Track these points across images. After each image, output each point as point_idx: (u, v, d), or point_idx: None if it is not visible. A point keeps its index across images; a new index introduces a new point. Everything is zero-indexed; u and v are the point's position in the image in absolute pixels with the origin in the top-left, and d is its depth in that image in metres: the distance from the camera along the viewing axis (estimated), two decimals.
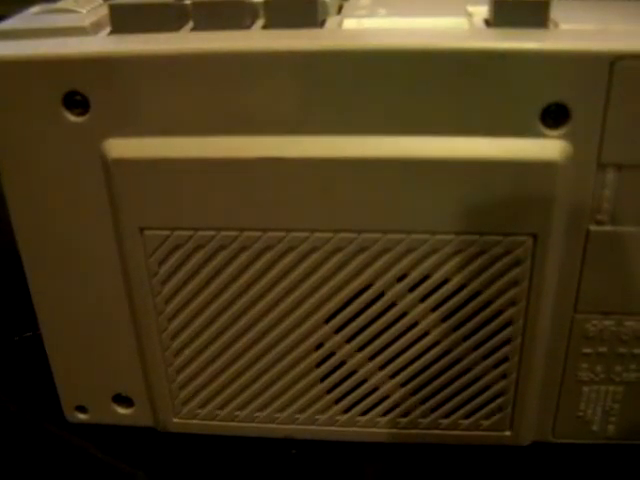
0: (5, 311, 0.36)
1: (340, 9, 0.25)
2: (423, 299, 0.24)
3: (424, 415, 0.26)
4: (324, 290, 0.24)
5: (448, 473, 0.27)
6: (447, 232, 0.23)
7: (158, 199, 0.23)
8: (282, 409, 0.27)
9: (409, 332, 0.25)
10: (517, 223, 0.22)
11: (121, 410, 0.28)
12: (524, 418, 0.26)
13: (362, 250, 0.23)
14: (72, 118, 0.23)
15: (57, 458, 0.28)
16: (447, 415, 0.26)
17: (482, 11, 0.23)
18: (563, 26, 0.22)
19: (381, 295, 0.24)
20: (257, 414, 0.27)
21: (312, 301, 0.24)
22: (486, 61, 0.21)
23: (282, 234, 0.23)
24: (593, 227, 0.23)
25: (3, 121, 0.23)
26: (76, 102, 0.22)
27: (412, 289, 0.24)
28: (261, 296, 0.24)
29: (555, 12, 0.22)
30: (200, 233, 0.24)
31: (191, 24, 0.24)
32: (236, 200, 0.23)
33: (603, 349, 0.25)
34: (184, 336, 0.26)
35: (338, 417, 0.27)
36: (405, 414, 0.26)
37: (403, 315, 0.24)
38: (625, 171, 0.22)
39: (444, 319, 0.24)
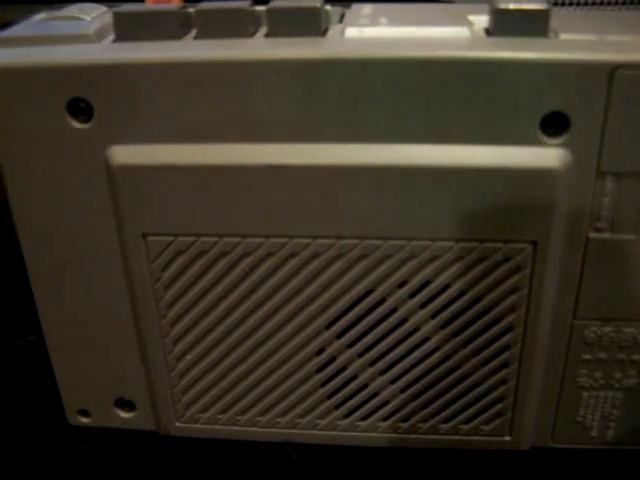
0: (8, 315, 0.36)
1: (342, 17, 0.25)
2: (424, 305, 0.24)
3: (424, 420, 0.26)
4: (326, 296, 0.24)
5: (448, 478, 0.27)
6: (448, 239, 0.23)
7: (161, 205, 0.23)
8: (283, 414, 0.27)
9: (409, 338, 0.25)
10: (517, 230, 0.23)
11: (123, 414, 0.28)
12: (523, 423, 0.26)
13: (364, 256, 0.23)
14: (76, 125, 0.23)
15: (59, 461, 0.28)
16: (447, 420, 0.26)
17: (483, 20, 0.23)
18: (563, 35, 0.22)
19: (382, 301, 0.24)
20: (258, 418, 0.27)
21: (314, 307, 0.24)
22: (486, 70, 0.21)
23: (284, 240, 0.23)
24: (592, 234, 0.23)
25: (7, 127, 0.23)
26: (80, 109, 0.23)
27: (413, 295, 0.24)
28: (263, 301, 0.25)
29: (555, 21, 0.22)
30: (203, 239, 0.24)
31: (194, 32, 0.24)
32: (239, 206, 0.23)
33: (602, 355, 0.25)
34: (186, 341, 0.26)
35: (339, 422, 0.27)
36: (405, 419, 0.27)
37: (404, 321, 0.25)
38: (624, 179, 0.22)
39: (444, 325, 0.24)
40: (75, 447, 0.29)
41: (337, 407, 0.27)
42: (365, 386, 0.26)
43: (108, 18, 0.25)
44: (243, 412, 0.27)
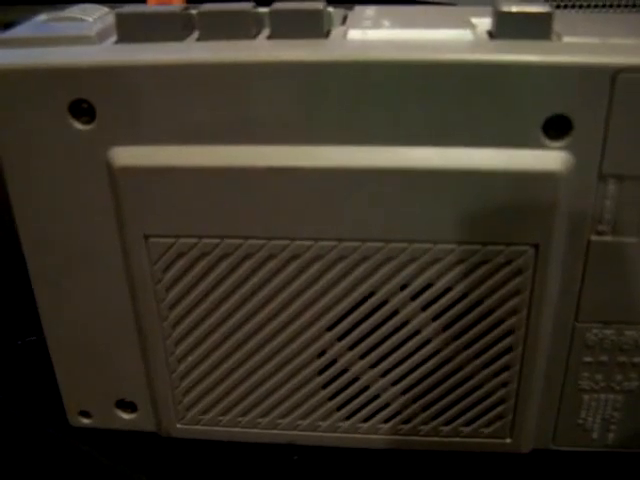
0: (9, 315, 0.36)
1: (345, 19, 0.25)
2: (425, 308, 0.24)
3: (425, 422, 0.26)
4: (327, 298, 0.24)
5: None
6: (449, 241, 0.23)
7: (163, 207, 0.23)
8: (284, 415, 0.27)
9: (411, 340, 0.25)
10: (519, 233, 0.23)
11: (124, 415, 0.28)
12: (524, 426, 0.26)
13: (365, 259, 0.23)
14: (78, 126, 0.23)
15: (60, 462, 0.28)
16: (448, 422, 0.26)
17: (485, 23, 0.23)
18: (566, 38, 0.22)
19: (383, 303, 0.24)
20: (260, 420, 0.27)
21: (315, 309, 0.24)
22: (489, 73, 0.21)
23: (286, 242, 0.23)
24: (594, 237, 0.23)
25: (9, 129, 0.23)
26: (82, 110, 0.23)
27: (414, 298, 0.24)
28: (264, 303, 0.25)
29: (558, 24, 0.22)
30: (204, 241, 0.24)
31: (197, 34, 0.24)
32: (240, 208, 0.23)
33: (604, 358, 0.25)
34: (188, 342, 0.26)
35: (340, 424, 0.27)
36: (406, 421, 0.27)
37: (405, 323, 0.25)
38: (626, 182, 0.22)
39: (445, 328, 0.24)
40: (76, 448, 0.29)
41: (338, 409, 0.27)
42: (366, 388, 0.26)
43: (110, 19, 0.25)
44: (244, 414, 0.27)
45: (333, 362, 0.26)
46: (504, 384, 0.25)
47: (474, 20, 0.24)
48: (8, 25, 0.25)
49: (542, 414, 0.26)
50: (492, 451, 0.27)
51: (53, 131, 0.23)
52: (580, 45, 0.22)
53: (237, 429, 0.28)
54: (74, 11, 0.26)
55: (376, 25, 0.24)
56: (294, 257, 0.24)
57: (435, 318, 0.24)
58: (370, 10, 0.25)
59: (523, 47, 0.21)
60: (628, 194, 0.22)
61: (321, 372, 0.26)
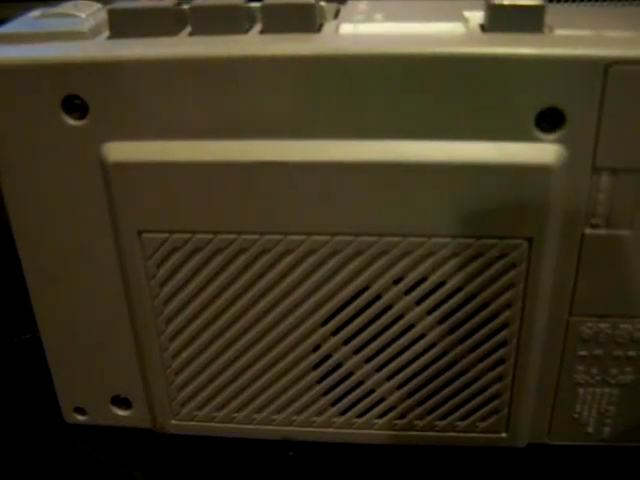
0: (4, 313, 0.36)
1: (337, 14, 0.25)
2: (419, 302, 0.24)
3: (420, 417, 0.26)
4: (321, 293, 0.24)
5: (444, 475, 0.27)
6: (443, 235, 0.23)
7: (156, 202, 0.23)
8: (279, 411, 0.27)
9: (405, 334, 0.25)
10: (513, 226, 0.23)
11: (119, 412, 0.28)
12: (520, 420, 0.26)
13: (359, 253, 0.23)
14: (71, 122, 0.23)
15: (56, 459, 0.28)
16: (443, 417, 0.26)
17: (478, 16, 0.23)
18: (558, 31, 0.22)
19: (378, 298, 0.24)
20: (255, 416, 0.27)
21: (309, 303, 0.24)
22: (482, 66, 0.21)
23: (279, 237, 0.23)
24: (588, 230, 0.23)
25: (2, 125, 0.23)
26: (75, 106, 0.23)
27: (408, 292, 0.24)
28: (258, 298, 0.25)
29: (550, 17, 0.22)
30: (198, 236, 0.24)
31: (189, 28, 0.24)
32: (234, 203, 0.23)
33: (598, 352, 0.25)
34: (182, 338, 0.26)
35: (335, 419, 0.27)
36: (402, 416, 0.27)
37: (399, 317, 0.25)
38: (620, 175, 0.22)
39: (440, 321, 0.24)
40: (72, 445, 0.29)
41: (333, 404, 0.27)
42: (361, 383, 0.26)
43: (103, 15, 0.25)
44: (239, 409, 0.27)
45: (328, 357, 0.26)
46: (499, 378, 0.25)
47: (466, 13, 0.24)
48: (1, 21, 0.25)
49: (537, 408, 0.26)
50: (488, 445, 0.27)
51: (46, 127, 0.23)
52: (572, 38, 0.22)
53: (232, 425, 0.28)
54: (67, 7, 0.26)
55: (368, 19, 0.24)
56: (288, 252, 0.24)
57: (430, 312, 0.24)
58: (363, 4, 0.25)
59: (515, 40, 0.21)
60: (622, 187, 0.22)
61: (316, 367, 0.26)
